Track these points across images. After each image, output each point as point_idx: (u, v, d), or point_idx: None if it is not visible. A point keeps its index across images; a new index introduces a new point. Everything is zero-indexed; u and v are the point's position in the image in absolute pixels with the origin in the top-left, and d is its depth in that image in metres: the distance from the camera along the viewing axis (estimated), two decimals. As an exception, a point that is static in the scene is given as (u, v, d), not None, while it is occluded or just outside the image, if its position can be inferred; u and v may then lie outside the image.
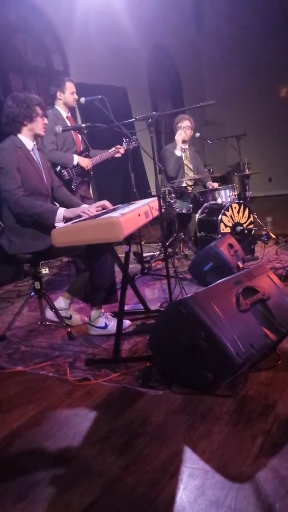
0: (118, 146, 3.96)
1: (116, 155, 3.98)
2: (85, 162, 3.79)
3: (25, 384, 2.16)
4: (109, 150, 3.94)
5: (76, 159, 3.74)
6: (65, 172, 3.70)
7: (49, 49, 6.85)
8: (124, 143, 3.98)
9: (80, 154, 3.83)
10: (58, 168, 3.70)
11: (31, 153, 2.73)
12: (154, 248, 5.09)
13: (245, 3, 9.24)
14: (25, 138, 2.72)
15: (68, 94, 3.76)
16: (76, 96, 3.79)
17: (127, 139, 3.97)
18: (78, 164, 3.74)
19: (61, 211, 2.55)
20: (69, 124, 3.76)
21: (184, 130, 4.68)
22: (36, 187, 2.68)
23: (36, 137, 2.78)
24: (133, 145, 3.96)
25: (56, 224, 2.54)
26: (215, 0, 9.59)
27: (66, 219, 2.58)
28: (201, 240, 4.22)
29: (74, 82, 3.84)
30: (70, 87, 3.78)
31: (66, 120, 3.81)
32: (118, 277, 2.66)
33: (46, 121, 2.77)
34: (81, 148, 3.89)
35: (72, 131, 3.78)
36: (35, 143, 2.78)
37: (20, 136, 2.71)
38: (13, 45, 6.27)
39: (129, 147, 3.99)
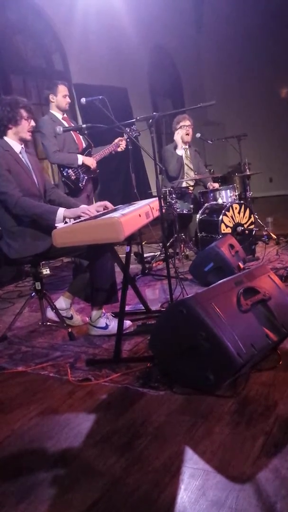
0: (120, 138, 3.93)
1: (119, 149, 3.96)
2: (90, 161, 3.81)
3: (26, 384, 2.16)
4: (112, 144, 3.94)
5: (81, 158, 3.76)
6: (71, 172, 3.72)
7: (49, 49, 6.85)
8: (125, 134, 3.95)
9: (82, 152, 3.83)
10: (65, 169, 3.73)
11: (20, 155, 2.73)
12: (154, 249, 5.09)
13: (245, 3, 9.24)
14: (12, 141, 2.71)
15: (60, 97, 3.78)
16: (68, 100, 3.83)
17: (128, 128, 3.94)
18: (83, 163, 3.76)
19: (61, 211, 2.55)
20: (66, 125, 3.77)
21: (186, 129, 4.68)
22: (27, 189, 2.67)
23: (22, 140, 2.75)
24: (136, 134, 3.88)
25: (56, 224, 2.54)
26: (215, 0, 9.59)
27: (66, 219, 2.58)
28: (202, 241, 4.22)
29: (67, 86, 3.87)
30: (62, 90, 3.80)
31: (63, 121, 3.83)
32: (119, 278, 2.66)
33: (33, 123, 2.75)
34: (83, 146, 3.91)
35: (72, 131, 3.80)
36: (22, 146, 2.77)
37: (6, 139, 2.70)
38: (13, 46, 6.27)
39: (132, 135, 3.93)
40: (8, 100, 2.67)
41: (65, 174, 3.71)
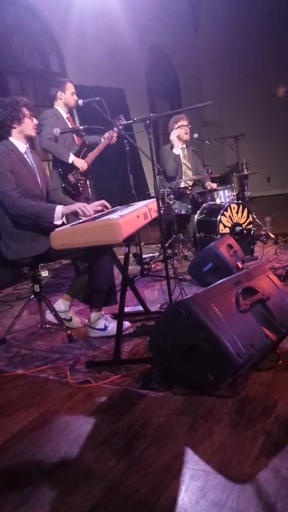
0: (110, 131, 3.89)
1: (112, 141, 3.95)
2: (80, 163, 3.77)
3: (25, 387, 2.16)
4: (103, 137, 3.91)
5: (72, 158, 3.73)
6: (72, 177, 3.71)
7: (46, 51, 6.86)
8: (115, 122, 3.88)
9: (77, 153, 3.81)
10: (65, 176, 3.73)
11: (24, 156, 2.73)
12: (153, 250, 5.09)
13: (241, 3, 9.25)
14: (17, 141, 2.72)
15: (68, 95, 3.78)
16: (76, 97, 3.81)
17: (117, 119, 3.87)
18: (72, 163, 3.74)
19: (59, 208, 2.55)
20: (69, 125, 3.76)
21: (185, 128, 4.68)
22: (30, 189, 2.68)
23: (28, 138, 2.77)
24: (121, 123, 3.82)
25: (56, 222, 2.53)
26: (212, 0, 9.60)
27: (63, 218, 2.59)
28: (200, 241, 4.22)
29: (73, 84, 3.87)
30: (70, 87, 3.80)
31: (67, 120, 3.81)
32: (118, 279, 2.66)
33: (36, 121, 2.77)
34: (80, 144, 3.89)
35: (70, 132, 3.79)
36: (27, 146, 2.77)
37: (11, 139, 2.70)
38: (10, 47, 6.27)
39: (120, 124, 3.87)
40: (8, 100, 2.68)
41: (67, 180, 3.68)
